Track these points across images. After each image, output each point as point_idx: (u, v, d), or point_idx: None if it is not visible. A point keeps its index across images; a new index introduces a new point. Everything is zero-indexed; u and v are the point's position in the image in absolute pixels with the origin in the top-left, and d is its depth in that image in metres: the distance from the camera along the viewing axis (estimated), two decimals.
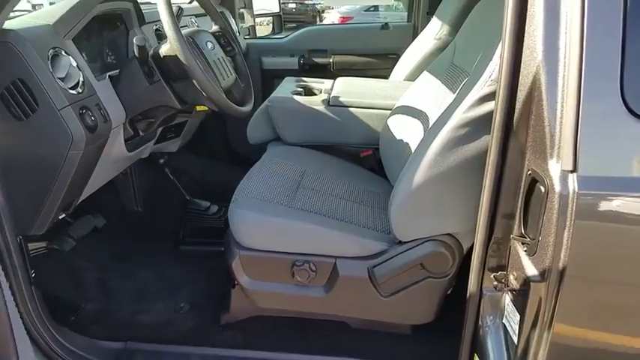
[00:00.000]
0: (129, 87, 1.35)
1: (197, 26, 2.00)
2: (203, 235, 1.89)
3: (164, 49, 1.29)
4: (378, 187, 1.65)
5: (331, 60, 2.74)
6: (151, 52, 1.33)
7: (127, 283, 1.71)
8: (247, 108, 1.49)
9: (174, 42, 1.21)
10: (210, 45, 1.43)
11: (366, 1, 12.03)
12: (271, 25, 3.12)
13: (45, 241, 1.49)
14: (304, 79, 2.13)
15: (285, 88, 1.97)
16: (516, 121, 0.95)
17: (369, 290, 1.32)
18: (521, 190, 0.96)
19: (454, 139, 1.13)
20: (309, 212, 1.36)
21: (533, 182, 0.91)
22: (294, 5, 14.01)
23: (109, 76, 1.39)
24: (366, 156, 1.80)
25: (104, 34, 1.52)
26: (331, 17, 12.87)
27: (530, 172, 0.92)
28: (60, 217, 1.34)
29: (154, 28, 1.70)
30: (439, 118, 1.25)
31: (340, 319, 1.46)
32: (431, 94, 1.55)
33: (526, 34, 0.89)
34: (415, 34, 2.75)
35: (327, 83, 2.08)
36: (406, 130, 1.58)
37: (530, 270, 0.94)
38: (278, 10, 3.05)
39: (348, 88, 1.93)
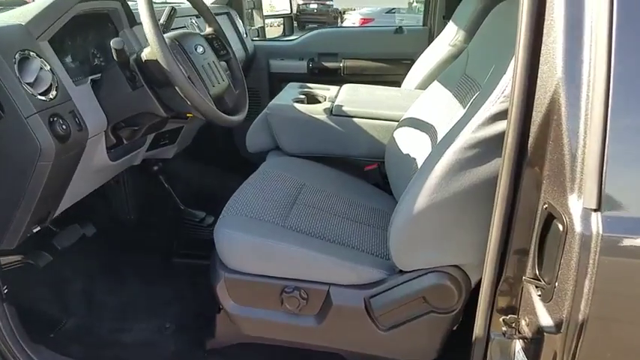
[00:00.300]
0: (110, 92, 1.25)
1: (197, 27, 1.90)
2: (197, 248, 1.78)
3: (146, 53, 1.19)
4: (382, 204, 1.53)
5: (342, 64, 2.63)
6: (134, 56, 1.23)
7: (112, 297, 1.61)
8: (239, 117, 1.37)
9: (153, 45, 1.11)
10: (200, 49, 1.32)
11: (377, 4, 11.84)
12: (282, 26, 3.01)
13: (20, 255, 1.40)
14: (309, 85, 2.02)
15: (287, 94, 1.86)
16: (531, 146, 0.82)
17: (365, 322, 1.19)
18: (536, 226, 0.83)
19: (461, 161, 1.01)
20: (302, 233, 1.24)
21: (550, 218, 0.78)
22: (315, 6, 13.91)
23: (92, 80, 1.29)
24: (371, 170, 1.67)
25: (90, 35, 1.42)
26: (352, 18, 12.72)
27: (546, 205, 0.79)
28: (34, 231, 1.24)
29: None
30: (446, 135, 1.12)
31: (334, 351, 1.34)
32: (440, 107, 1.42)
33: (543, 47, 0.76)
34: (431, 39, 2.62)
35: (332, 90, 1.97)
36: (413, 145, 1.46)
37: (545, 319, 0.82)
38: (289, 11, 2.94)
39: (353, 97, 1.81)
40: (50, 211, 1.24)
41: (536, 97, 0.80)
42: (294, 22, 3.06)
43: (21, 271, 1.40)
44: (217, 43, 1.45)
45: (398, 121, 1.62)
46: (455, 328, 1.22)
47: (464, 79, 1.37)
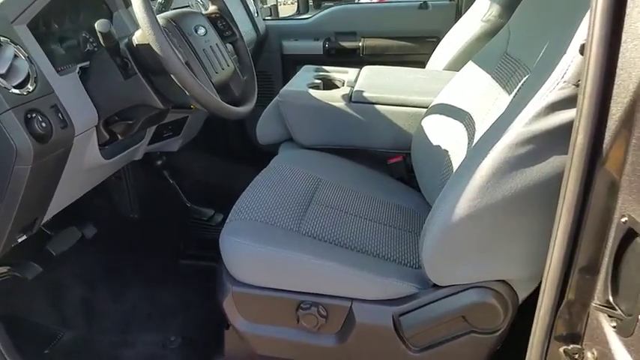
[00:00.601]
0: (100, 82, 1.09)
1: (203, 7, 1.73)
2: (205, 248, 1.64)
3: (137, 37, 1.03)
4: (409, 201, 1.36)
5: (361, 44, 2.43)
6: (125, 41, 1.07)
7: (114, 305, 1.48)
8: (246, 108, 1.21)
9: (144, 26, 0.94)
10: (201, 30, 1.15)
11: None
12: (296, 3, 2.82)
13: (6, 267, 1.27)
14: (325, 67, 1.84)
15: (301, 79, 1.68)
16: (607, 146, 0.65)
17: (394, 343, 1.04)
18: (611, 242, 0.67)
19: (512, 159, 0.83)
20: (319, 240, 1.09)
21: (631, 234, 0.62)
22: None
23: (82, 68, 1.14)
24: (395, 163, 1.50)
25: (81, 17, 1.27)
26: None
27: (625, 219, 0.63)
28: (20, 240, 1.11)
29: None
30: (491, 127, 0.94)
31: None
32: (477, 91, 1.24)
33: (627, 18, 0.59)
34: (458, 15, 2.41)
35: (351, 73, 1.78)
36: (445, 135, 1.28)
37: (622, 355, 0.65)
38: None
39: (375, 80, 1.63)
40: (37, 218, 1.10)
41: (615, 83, 0.63)
42: (309, 0, 2.85)
43: (10, 281, 1.27)
44: (222, 23, 1.28)
45: (426, 107, 1.45)
46: (498, 347, 1.06)
47: (505, 59, 1.19)
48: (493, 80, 1.20)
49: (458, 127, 1.25)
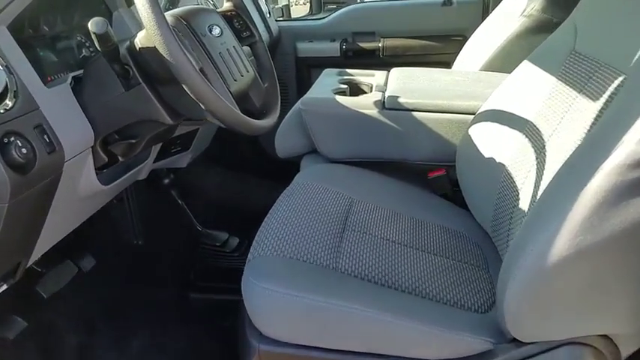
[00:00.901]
0: (96, 94, 0.91)
1: (213, 5, 1.55)
2: (218, 279, 1.45)
3: (140, 39, 0.85)
4: (457, 222, 1.18)
5: (380, 44, 2.25)
6: (126, 44, 0.89)
7: (113, 354, 1.28)
8: (269, 121, 1.02)
9: (150, 26, 0.76)
10: (216, 30, 0.97)
11: None
12: (309, 4, 2.63)
13: None
14: (348, 71, 1.65)
15: (325, 84, 1.49)
16: None
17: None
18: None
19: (623, 185, 0.65)
20: (363, 281, 0.90)
21: None
22: None
23: (75, 78, 0.96)
24: (437, 177, 1.31)
25: (76, 17, 1.09)
26: None
27: None
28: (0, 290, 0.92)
29: None
30: (586, 144, 0.75)
31: None
32: (541, 96, 1.05)
33: None
34: (486, 11, 2.23)
35: (378, 76, 1.60)
36: (500, 145, 1.10)
37: None
38: None
39: (408, 84, 1.44)
40: (20, 261, 0.91)
41: None
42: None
43: None
44: (238, 22, 1.10)
45: (472, 113, 1.26)
46: None
47: (575, 58, 1.00)
48: (561, 83, 1.01)
49: (517, 137, 1.06)
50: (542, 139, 0.98)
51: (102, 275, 1.38)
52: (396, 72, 1.59)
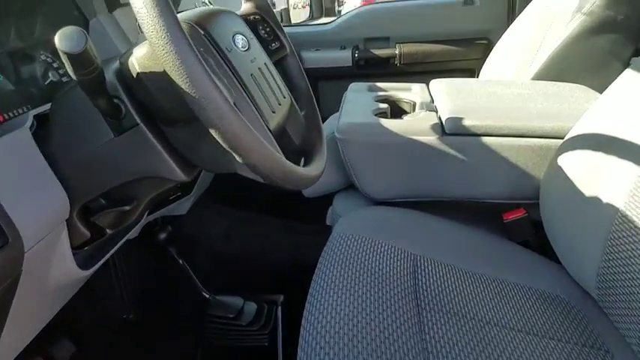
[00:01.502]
0: (71, 142, 0.61)
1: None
2: None
3: (139, 57, 0.55)
4: (550, 282, 0.91)
5: (397, 51, 1.98)
6: (114, 66, 0.59)
7: None
8: (318, 166, 0.73)
9: (159, 40, 0.46)
10: (241, 41, 0.68)
11: None
12: (308, 7, 2.36)
13: None
14: (379, 85, 1.36)
15: (358, 103, 1.20)
16: None
17: None
18: None
19: None
20: None
21: None
22: None
23: (37, 117, 0.65)
24: (516, 220, 1.04)
25: (37, 29, 0.78)
26: (352, 2, 11.92)
27: None
28: None
29: None
30: None
31: None
32: None
33: None
34: (512, 11, 1.98)
35: (416, 90, 1.32)
36: (609, 179, 0.82)
37: None
38: None
39: (466, 100, 1.15)
40: None
41: None
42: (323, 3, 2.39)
43: None
44: (264, 29, 0.80)
45: (561, 137, 0.98)
46: None
47: None
48: None
49: (633, 169, 0.79)
50: None
51: None
52: (437, 84, 1.31)
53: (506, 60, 1.66)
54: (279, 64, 0.85)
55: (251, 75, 0.64)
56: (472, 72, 2.01)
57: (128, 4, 0.94)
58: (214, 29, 0.61)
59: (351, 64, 1.98)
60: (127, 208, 0.65)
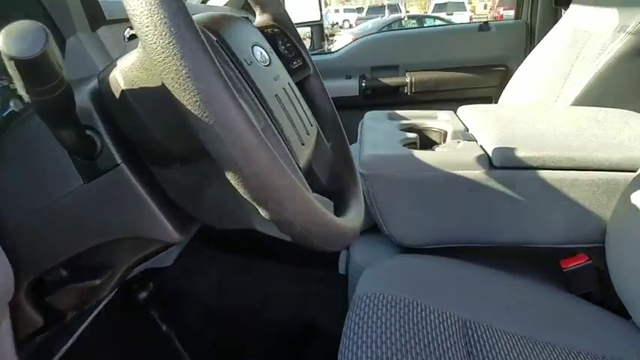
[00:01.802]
0: (22, 192, 0.44)
1: None
2: None
3: (125, 69, 0.39)
4: (622, 345, 0.75)
5: (407, 79, 1.85)
6: (91, 85, 0.42)
7: None
8: (358, 215, 0.56)
9: (160, 40, 0.30)
10: (261, 54, 0.52)
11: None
12: (309, 38, 2.26)
13: None
14: (399, 113, 1.22)
15: (381, 133, 1.04)
16: None
17: None
18: None
19: None
20: None
21: None
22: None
23: None
24: (577, 268, 0.87)
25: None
26: (343, 40, 12.00)
27: None
28: None
29: (127, 32, 0.81)
30: None
31: None
32: None
33: None
34: (531, 36, 1.88)
35: (443, 116, 1.17)
36: None
37: None
38: (319, 19, 2.19)
39: (514, 129, 0.99)
40: None
41: None
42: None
43: None
44: (284, 43, 0.65)
45: (632, 170, 0.83)
46: None
47: None
48: None
49: None
50: None
51: None
52: (468, 111, 1.16)
53: (529, 86, 1.53)
54: (301, 86, 0.69)
55: (275, 96, 0.48)
56: (489, 100, 1.89)
57: (115, 22, 0.80)
58: (229, 36, 0.46)
59: (357, 94, 1.86)
60: (98, 281, 0.47)
